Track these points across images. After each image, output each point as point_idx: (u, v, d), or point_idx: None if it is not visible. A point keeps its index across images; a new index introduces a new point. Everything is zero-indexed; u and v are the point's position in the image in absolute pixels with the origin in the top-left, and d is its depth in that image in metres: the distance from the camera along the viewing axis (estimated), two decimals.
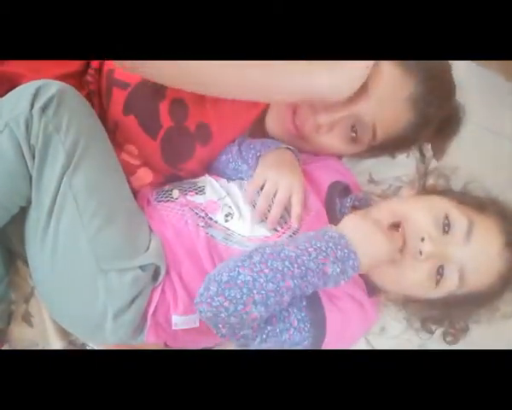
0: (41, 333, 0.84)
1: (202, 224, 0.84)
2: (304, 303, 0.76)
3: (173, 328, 0.80)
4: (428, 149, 0.95)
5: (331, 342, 0.77)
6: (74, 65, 0.87)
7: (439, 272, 0.77)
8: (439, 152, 0.95)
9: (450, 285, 0.78)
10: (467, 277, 0.77)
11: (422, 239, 0.76)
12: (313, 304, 0.76)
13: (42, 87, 0.74)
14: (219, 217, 0.85)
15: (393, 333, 0.92)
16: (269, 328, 0.74)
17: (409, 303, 0.84)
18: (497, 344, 0.83)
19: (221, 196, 0.88)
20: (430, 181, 0.89)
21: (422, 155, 0.96)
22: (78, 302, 0.79)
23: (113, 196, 0.81)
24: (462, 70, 0.91)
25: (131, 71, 0.81)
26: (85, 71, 0.89)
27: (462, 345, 0.87)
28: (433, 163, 0.93)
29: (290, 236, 0.83)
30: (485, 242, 0.78)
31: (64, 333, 0.85)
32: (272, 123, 0.94)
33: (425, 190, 0.88)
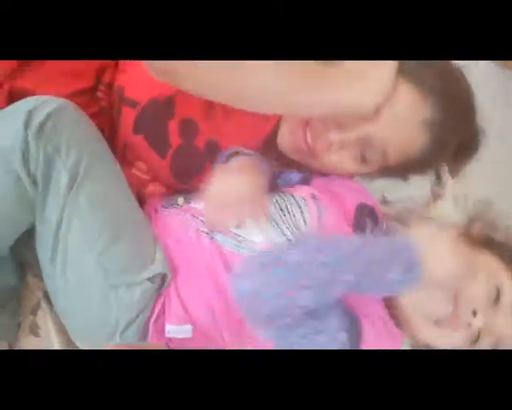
0: (47, 344, 0.86)
1: (206, 230, 0.83)
2: (342, 310, 0.70)
3: (166, 335, 0.80)
4: (445, 170, 0.92)
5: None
6: (85, 81, 0.87)
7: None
8: (455, 172, 0.92)
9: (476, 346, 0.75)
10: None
11: (474, 312, 0.73)
12: (350, 316, 0.71)
13: (36, 107, 0.71)
14: None
15: None
16: (309, 322, 0.68)
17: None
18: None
19: None
20: (474, 226, 0.82)
21: (438, 177, 0.92)
22: (91, 316, 0.80)
23: (119, 212, 0.81)
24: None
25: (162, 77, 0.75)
26: (96, 87, 0.89)
27: None
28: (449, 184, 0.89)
29: None
30: None
31: (69, 344, 0.87)
32: (283, 140, 0.92)
33: (470, 238, 0.80)
